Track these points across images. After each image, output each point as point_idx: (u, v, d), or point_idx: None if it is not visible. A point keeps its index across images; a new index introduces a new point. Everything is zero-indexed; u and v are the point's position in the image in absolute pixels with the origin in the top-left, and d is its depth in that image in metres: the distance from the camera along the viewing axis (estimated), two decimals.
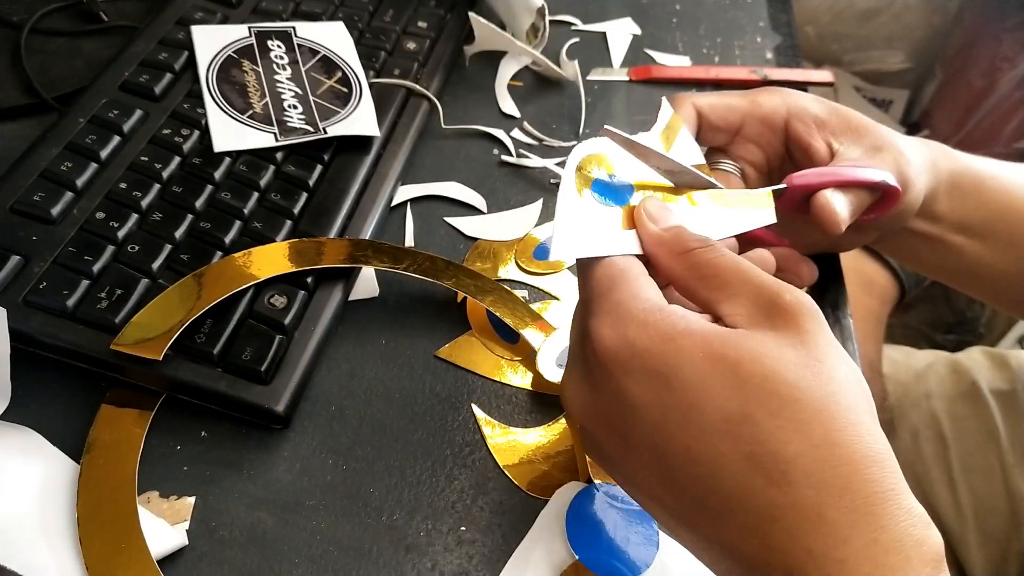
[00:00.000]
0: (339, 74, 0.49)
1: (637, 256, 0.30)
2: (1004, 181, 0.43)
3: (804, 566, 0.23)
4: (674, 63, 0.61)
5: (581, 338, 0.28)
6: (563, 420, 0.39)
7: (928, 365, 0.65)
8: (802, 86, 0.61)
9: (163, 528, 0.32)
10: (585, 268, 0.29)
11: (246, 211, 0.41)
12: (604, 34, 0.63)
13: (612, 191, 0.32)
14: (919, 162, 0.40)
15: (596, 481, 0.36)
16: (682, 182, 0.33)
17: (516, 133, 0.53)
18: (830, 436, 0.23)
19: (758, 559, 0.24)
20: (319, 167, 0.44)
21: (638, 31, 0.64)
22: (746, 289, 0.26)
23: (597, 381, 0.27)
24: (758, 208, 0.35)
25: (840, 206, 0.36)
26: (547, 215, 0.48)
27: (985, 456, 0.58)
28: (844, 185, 0.36)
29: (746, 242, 0.35)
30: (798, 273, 0.40)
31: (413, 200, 0.48)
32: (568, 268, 0.45)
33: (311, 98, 0.47)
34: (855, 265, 0.76)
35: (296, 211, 0.42)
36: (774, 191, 0.35)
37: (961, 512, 0.58)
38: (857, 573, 0.22)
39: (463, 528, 0.34)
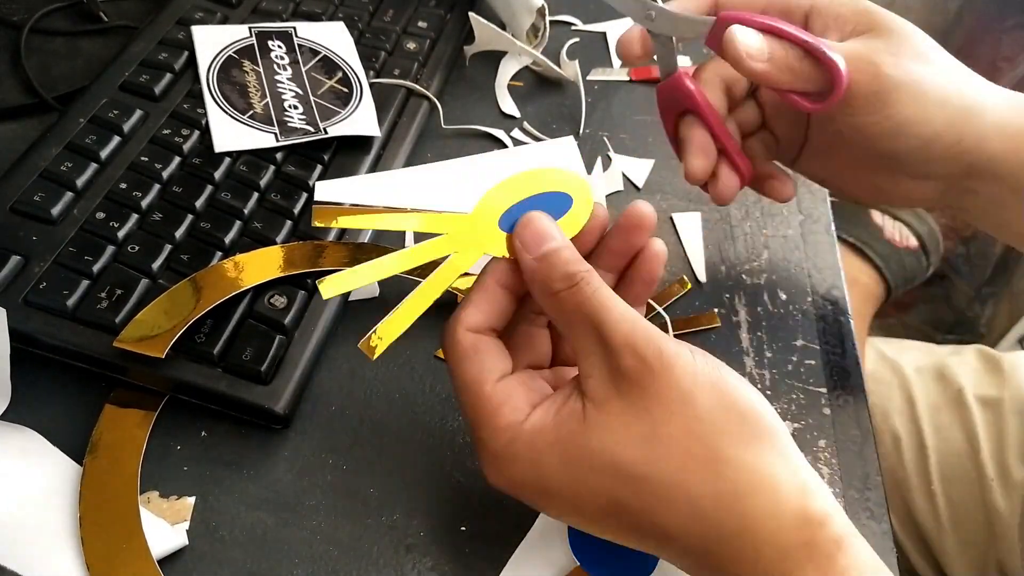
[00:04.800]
0: (339, 74, 0.49)
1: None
2: None
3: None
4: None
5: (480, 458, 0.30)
6: None
7: (916, 369, 0.64)
8: None
9: (163, 528, 0.32)
10: (453, 386, 0.30)
11: (246, 211, 0.41)
12: (604, 34, 0.63)
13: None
14: (953, 90, 0.36)
15: None
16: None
17: (516, 133, 0.53)
18: (689, 492, 0.26)
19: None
20: (319, 167, 0.44)
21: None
22: (598, 348, 0.27)
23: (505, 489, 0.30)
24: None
25: (749, 40, 0.33)
26: None
27: (964, 468, 0.57)
28: (775, 34, 0.34)
29: (684, 109, 0.37)
30: (774, 188, 0.40)
31: None
32: None
33: (311, 98, 0.47)
34: None
35: (296, 211, 0.42)
36: (705, 22, 0.35)
37: (939, 521, 0.57)
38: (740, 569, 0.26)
39: (463, 528, 0.34)
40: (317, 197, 0.31)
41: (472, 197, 0.31)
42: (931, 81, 0.35)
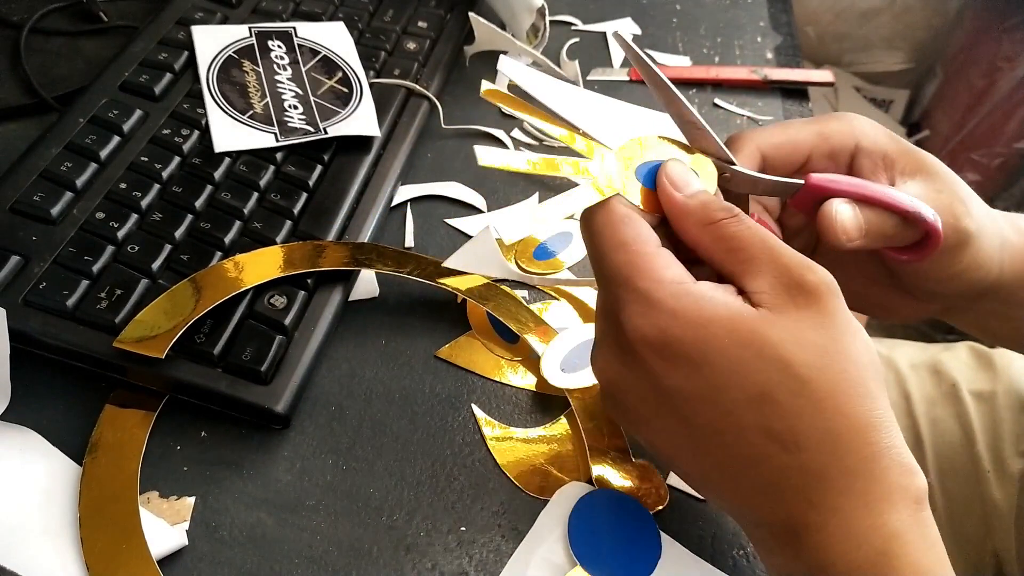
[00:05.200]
0: (339, 74, 0.49)
1: (657, 224, 0.30)
2: None
3: (806, 514, 0.26)
4: (674, 63, 0.61)
5: (612, 324, 0.29)
6: (563, 420, 0.39)
7: (911, 365, 0.64)
8: (802, 86, 0.61)
9: (163, 528, 0.32)
10: (596, 248, 0.29)
11: (246, 211, 0.41)
12: (604, 34, 0.63)
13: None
14: (993, 231, 0.36)
15: (598, 485, 0.36)
16: (696, 139, 0.32)
17: (516, 133, 0.53)
18: (840, 409, 0.26)
19: (767, 510, 0.27)
20: (319, 167, 0.44)
21: (638, 31, 0.64)
22: (772, 266, 0.28)
23: (631, 361, 0.28)
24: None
25: (845, 216, 0.32)
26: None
27: (960, 461, 0.57)
28: (867, 200, 0.33)
29: None
30: None
31: (413, 200, 0.48)
32: (568, 268, 0.45)
33: (311, 98, 0.47)
34: None
35: (296, 211, 0.42)
36: (791, 185, 0.33)
37: (936, 514, 0.57)
38: (851, 517, 0.26)
39: (463, 528, 0.34)
40: (500, 68, 0.33)
41: (617, 136, 0.32)
42: (988, 228, 0.36)
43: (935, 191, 0.35)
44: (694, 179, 0.31)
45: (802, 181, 0.33)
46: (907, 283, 0.37)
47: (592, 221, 0.30)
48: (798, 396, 0.26)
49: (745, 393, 0.26)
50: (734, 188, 0.33)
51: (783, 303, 0.27)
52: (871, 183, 0.33)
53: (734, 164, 0.32)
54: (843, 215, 0.32)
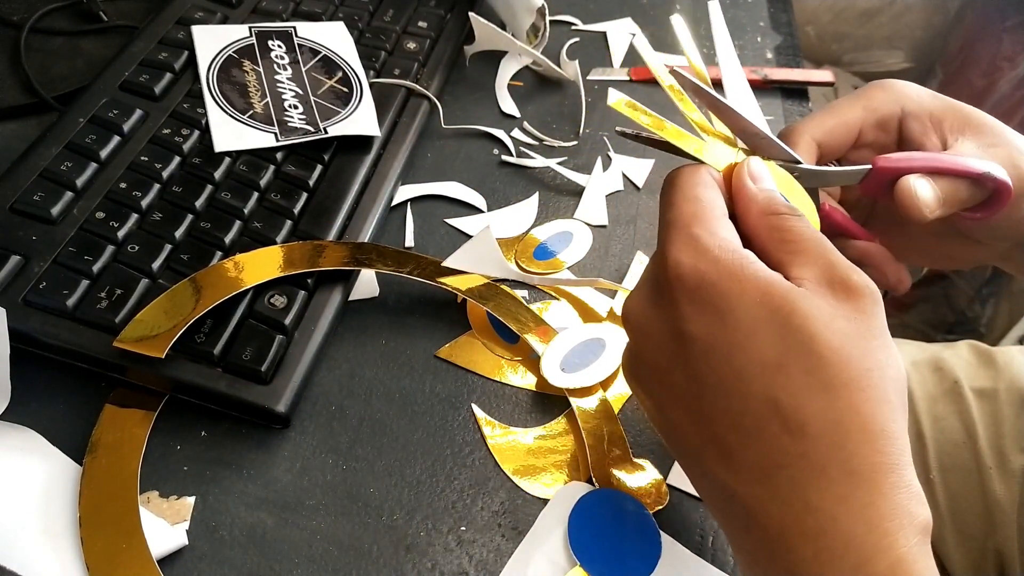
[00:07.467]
0: (339, 74, 0.49)
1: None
2: None
3: (801, 519, 0.25)
4: (674, 63, 0.61)
5: (656, 264, 0.30)
6: (563, 420, 0.39)
7: (912, 363, 0.64)
8: (802, 86, 0.61)
9: (163, 528, 0.32)
10: (670, 198, 0.30)
11: (246, 211, 0.41)
12: (604, 34, 0.63)
13: None
14: None
15: (598, 485, 0.36)
16: (760, 148, 0.32)
17: (516, 133, 0.53)
18: (854, 405, 0.25)
19: (759, 505, 0.26)
20: (319, 167, 0.44)
21: (638, 31, 0.64)
22: (820, 261, 0.28)
23: (662, 301, 0.29)
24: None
25: (924, 191, 0.34)
26: (544, 213, 0.48)
27: (962, 457, 0.57)
28: (937, 172, 0.34)
29: (829, 231, 0.35)
30: (885, 272, 0.38)
31: (413, 200, 0.48)
32: (568, 268, 0.45)
33: (312, 98, 0.47)
34: None
35: (296, 211, 0.42)
36: (858, 172, 0.34)
37: (938, 511, 0.57)
38: (852, 530, 0.24)
39: (463, 528, 0.34)
40: (637, 44, 0.34)
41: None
42: None
43: (989, 145, 0.35)
44: (769, 178, 0.31)
45: (869, 166, 0.34)
46: (974, 235, 0.38)
47: (677, 177, 0.31)
48: (811, 375, 0.25)
49: (761, 356, 0.26)
50: (803, 184, 0.33)
51: (823, 291, 0.27)
52: (938, 154, 0.35)
53: (801, 163, 0.33)
54: (922, 190, 0.33)
